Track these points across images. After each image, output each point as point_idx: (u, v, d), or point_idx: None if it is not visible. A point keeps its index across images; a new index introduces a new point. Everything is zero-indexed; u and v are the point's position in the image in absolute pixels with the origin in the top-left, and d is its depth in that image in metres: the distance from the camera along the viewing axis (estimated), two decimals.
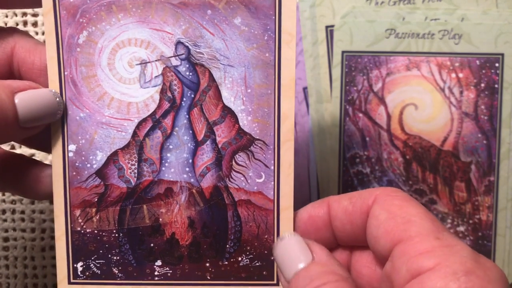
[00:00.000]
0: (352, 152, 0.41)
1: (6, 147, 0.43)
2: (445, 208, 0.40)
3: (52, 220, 0.44)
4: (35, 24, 0.44)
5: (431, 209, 0.40)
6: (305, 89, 0.41)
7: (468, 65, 0.40)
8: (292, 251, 0.26)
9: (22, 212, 0.44)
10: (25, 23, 0.44)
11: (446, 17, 0.40)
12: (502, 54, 0.40)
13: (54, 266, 0.45)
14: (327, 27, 0.41)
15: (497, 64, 0.40)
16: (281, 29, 0.28)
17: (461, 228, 0.40)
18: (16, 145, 0.44)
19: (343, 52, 0.40)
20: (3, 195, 0.44)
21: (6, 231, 0.44)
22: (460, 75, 0.40)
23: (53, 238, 0.44)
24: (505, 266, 0.40)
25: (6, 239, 0.45)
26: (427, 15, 0.40)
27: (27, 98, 0.27)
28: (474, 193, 0.40)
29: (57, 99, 0.29)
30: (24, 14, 0.44)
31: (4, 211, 0.44)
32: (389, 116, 0.40)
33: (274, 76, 0.29)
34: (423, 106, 0.40)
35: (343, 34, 0.40)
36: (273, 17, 0.28)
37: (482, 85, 0.40)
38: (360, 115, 0.41)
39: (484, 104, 0.40)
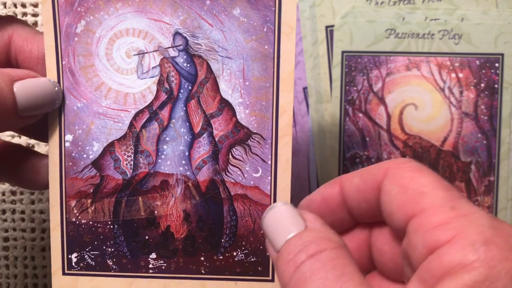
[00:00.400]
0: (352, 152, 0.41)
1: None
2: None
3: None
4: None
5: None
6: (305, 89, 0.41)
7: (468, 65, 0.40)
8: (283, 220, 0.24)
9: (22, 212, 0.44)
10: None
11: (446, 17, 0.40)
12: (502, 54, 0.40)
13: None
14: (327, 27, 0.41)
15: (497, 64, 0.40)
16: (281, 21, 0.28)
17: None
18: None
19: (343, 52, 0.40)
20: (3, 195, 0.44)
21: (6, 231, 0.44)
22: (460, 75, 0.40)
23: None
24: None
25: (6, 239, 0.45)
26: (427, 15, 0.40)
27: (26, 87, 0.27)
28: (474, 193, 0.40)
29: (56, 88, 0.28)
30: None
31: (4, 211, 0.44)
32: (389, 116, 0.40)
33: (273, 69, 0.28)
34: (423, 106, 0.40)
35: (343, 34, 0.40)
36: (273, 9, 0.28)
37: (482, 85, 0.40)
38: (360, 115, 0.41)
39: (484, 104, 0.40)
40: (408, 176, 0.23)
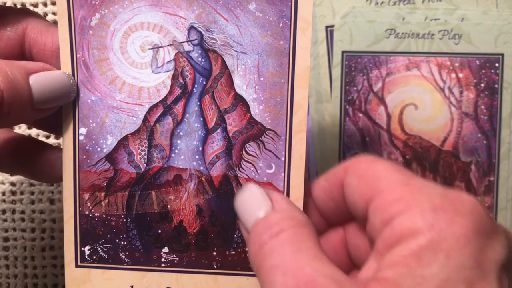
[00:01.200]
0: (352, 152, 0.41)
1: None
2: None
3: (53, 220, 0.44)
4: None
5: None
6: None
7: (468, 65, 0.40)
8: (252, 201, 0.26)
9: (22, 212, 0.44)
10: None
11: (446, 17, 0.40)
12: (502, 54, 0.40)
13: (54, 266, 0.45)
14: (327, 27, 0.41)
15: (497, 64, 0.40)
16: (297, 16, 0.27)
17: None
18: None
19: (343, 52, 0.40)
20: (3, 195, 0.44)
21: (6, 231, 0.44)
22: (460, 75, 0.40)
23: (53, 238, 0.44)
24: None
25: (6, 239, 0.45)
26: (427, 15, 0.40)
27: (42, 80, 0.27)
28: (474, 193, 0.40)
29: (71, 81, 0.28)
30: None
31: (4, 211, 0.44)
32: (389, 116, 0.40)
33: (288, 65, 0.28)
34: (423, 106, 0.40)
35: (343, 34, 0.40)
36: (289, 3, 0.27)
37: (482, 85, 0.40)
38: (360, 115, 0.41)
39: (484, 104, 0.40)
40: (364, 166, 0.25)
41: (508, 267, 0.21)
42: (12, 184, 0.44)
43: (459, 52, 0.40)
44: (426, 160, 0.40)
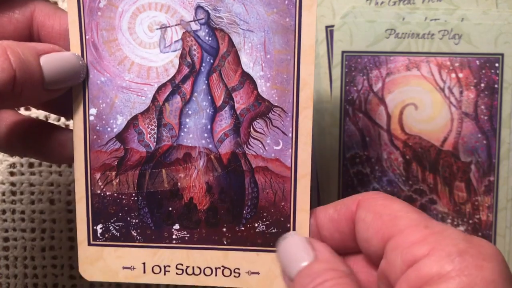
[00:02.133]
0: (352, 152, 0.41)
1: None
2: (445, 208, 0.40)
3: (53, 220, 0.44)
4: None
5: (431, 209, 0.40)
6: None
7: (468, 65, 0.40)
8: (295, 250, 0.26)
9: (22, 212, 0.44)
10: None
11: (446, 17, 0.40)
12: (502, 54, 0.40)
13: (54, 266, 0.45)
14: (327, 27, 0.41)
15: (497, 64, 0.40)
16: None
17: (461, 228, 0.40)
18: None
19: (343, 52, 0.40)
20: (3, 195, 0.44)
21: (6, 231, 0.44)
22: (460, 75, 0.40)
23: (53, 238, 0.44)
24: None
25: (6, 239, 0.44)
26: (427, 15, 0.40)
27: (52, 60, 0.27)
28: (474, 193, 0.40)
29: (80, 62, 0.29)
30: None
31: (4, 211, 0.44)
32: (389, 116, 0.40)
33: (294, 42, 0.28)
34: (423, 106, 0.40)
35: (343, 34, 0.40)
36: None
37: (482, 85, 0.40)
38: (360, 115, 0.41)
39: (484, 104, 0.40)
40: (380, 203, 0.25)
41: None
42: (12, 184, 0.44)
43: (459, 52, 0.40)
44: (426, 160, 0.40)
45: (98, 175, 0.30)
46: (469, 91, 0.40)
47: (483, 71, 0.40)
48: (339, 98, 0.41)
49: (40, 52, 0.27)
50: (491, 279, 0.21)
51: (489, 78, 0.40)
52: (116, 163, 0.30)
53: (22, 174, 0.44)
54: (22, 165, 0.44)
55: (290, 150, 0.29)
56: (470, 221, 0.40)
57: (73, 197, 0.43)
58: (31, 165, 0.44)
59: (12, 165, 0.44)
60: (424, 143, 0.40)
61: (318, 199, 0.41)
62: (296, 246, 0.26)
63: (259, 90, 0.29)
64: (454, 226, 0.40)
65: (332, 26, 0.40)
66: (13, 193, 0.44)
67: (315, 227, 0.29)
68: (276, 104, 0.29)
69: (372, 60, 0.40)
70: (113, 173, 0.30)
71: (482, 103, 0.40)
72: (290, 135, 0.29)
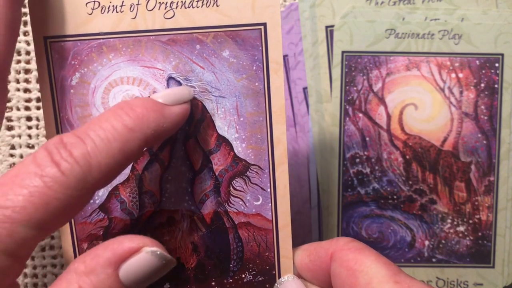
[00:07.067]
0: (352, 152, 0.41)
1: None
2: (445, 208, 0.40)
3: None
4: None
5: (431, 209, 0.40)
6: (305, 89, 0.41)
7: (468, 65, 0.40)
8: None
9: None
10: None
11: (446, 17, 0.40)
12: (502, 54, 0.40)
13: (54, 266, 0.45)
14: (327, 27, 0.41)
15: (497, 64, 0.40)
16: (268, 58, 0.29)
17: (461, 228, 0.40)
18: (16, 144, 0.44)
19: (343, 52, 0.40)
20: None
21: None
22: (460, 75, 0.40)
23: (53, 238, 0.44)
24: (505, 266, 0.41)
25: None
26: (427, 15, 0.40)
27: (133, 270, 0.24)
28: (474, 193, 0.40)
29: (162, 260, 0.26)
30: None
31: None
32: (389, 116, 0.40)
33: (264, 104, 0.29)
34: (423, 106, 0.40)
35: (343, 34, 0.40)
36: (260, 48, 0.29)
37: (482, 85, 0.40)
38: (360, 115, 0.41)
39: (484, 104, 0.40)
40: (352, 258, 0.27)
41: None
42: None
43: (459, 52, 0.40)
44: (426, 160, 0.40)
45: (85, 245, 0.31)
46: (469, 91, 0.40)
47: (483, 71, 0.40)
48: (339, 98, 0.41)
49: (118, 260, 0.24)
50: None
51: (489, 78, 0.40)
52: (101, 233, 0.31)
53: None
54: None
55: (270, 204, 0.30)
56: (470, 221, 0.40)
57: None
58: None
59: (12, 165, 0.44)
60: (424, 143, 0.40)
61: (318, 199, 0.41)
62: None
63: (235, 151, 0.30)
64: (454, 226, 0.40)
65: (332, 26, 0.40)
66: None
67: (296, 273, 0.30)
68: (252, 163, 0.30)
69: (372, 60, 0.40)
70: (100, 242, 0.30)
71: (482, 103, 0.40)
72: (269, 190, 0.30)
